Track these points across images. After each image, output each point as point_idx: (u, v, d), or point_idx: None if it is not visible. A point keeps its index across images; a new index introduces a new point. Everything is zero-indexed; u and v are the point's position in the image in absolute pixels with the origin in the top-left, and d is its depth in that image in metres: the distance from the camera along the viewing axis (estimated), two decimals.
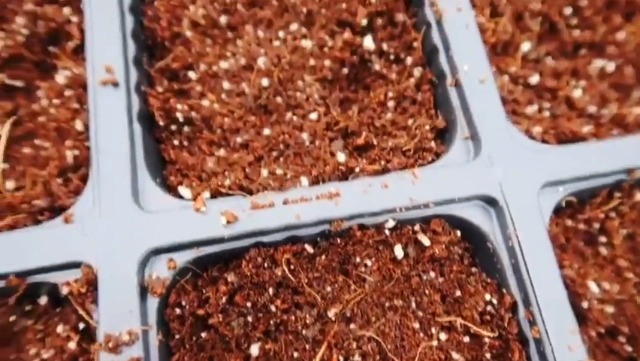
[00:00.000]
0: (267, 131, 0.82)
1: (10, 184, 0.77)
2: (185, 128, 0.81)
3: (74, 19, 0.83)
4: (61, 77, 0.81)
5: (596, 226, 0.82)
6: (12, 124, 0.80)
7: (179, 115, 0.80)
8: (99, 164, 0.69)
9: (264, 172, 0.78)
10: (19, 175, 0.78)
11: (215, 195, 0.75)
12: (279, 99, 0.84)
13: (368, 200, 0.70)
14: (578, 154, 0.75)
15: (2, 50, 0.82)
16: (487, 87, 0.77)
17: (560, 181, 0.74)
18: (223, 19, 0.88)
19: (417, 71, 0.86)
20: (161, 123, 0.79)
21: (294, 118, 0.84)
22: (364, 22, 0.89)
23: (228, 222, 0.68)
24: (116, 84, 0.73)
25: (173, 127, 0.81)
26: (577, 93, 0.89)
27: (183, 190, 0.75)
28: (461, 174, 0.73)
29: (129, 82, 0.75)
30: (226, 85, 0.84)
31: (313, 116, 0.83)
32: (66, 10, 0.83)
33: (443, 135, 0.82)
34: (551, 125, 0.84)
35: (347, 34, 0.87)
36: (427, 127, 0.82)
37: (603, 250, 0.81)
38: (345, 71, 0.87)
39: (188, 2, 0.88)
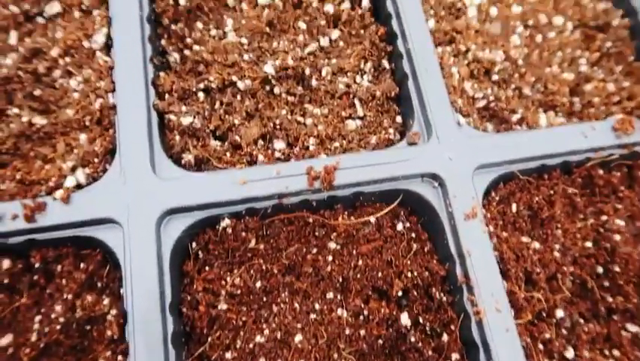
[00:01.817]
0: None
1: None
2: None
3: (113, 311, 0.82)
4: None
5: None
6: None
7: None
8: None
9: None
10: None
11: None
12: None
13: None
14: None
15: (39, 339, 0.81)
16: None
17: None
18: (258, 285, 0.88)
19: (454, 356, 0.86)
20: None
21: None
22: (399, 293, 0.89)
23: None
24: None
25: None
26: None
27: None
28: None
29: None
30: None
31: None
32: (105, 301, 0.83)
33: None
34: None
35: (383, 309, 0.87)
36: None
37: None
38: (381, 342, 0.87)
39: (225, 274, 0.88)
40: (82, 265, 0.84)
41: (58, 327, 0.82)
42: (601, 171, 1.00)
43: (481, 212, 0.88)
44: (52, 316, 0.82)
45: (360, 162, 0.89)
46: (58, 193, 0.82)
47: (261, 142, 0.98)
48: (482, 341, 0.82)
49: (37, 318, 0.83)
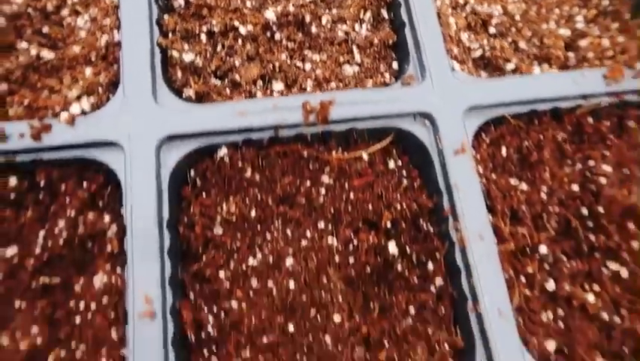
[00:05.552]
0: (291, 330, 0.85)
1: None
2: (215, 334, 0.85)
3: (113, 227, 0.86)
4: (98, 281, 0.85)
5: None
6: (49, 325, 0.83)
7: (209, 327, 0.83)
8: None
9: None
10: None
11: None
12: (304, 298, 0.88)
13: None
14: None
15: (43, 252, 0.86)
16: (506, 320, 0.81)
17: None
18: (253, 213, 0.92)
19: (438, 281, 0.90)
20: (193, 338, 0.82)
21: (319, 318, 0.87)
22: (389, 224, 0.92)
23: None
24: (153, 315, 0.76)
25: (204, 335, 0.84)
26: (590, 298, 0.92)
27: None
28: None
29: (165, 306, 0.78)
30: (254, 283, 0.88)
31: (337, 318, 0.87)
32: (106, 218, 0.87)
33: (462, 354, 0.85)
34: (565, 341, 0.87)
35: (372, 238, 0.91)
36: (446, 345, 0.86)
37: None
38: (369, 269, 0.91)
39: (221, 201, 0.92)
40: (85, 184, 0.88)
41: (61, 241, 0.86)
42: (591, 120, 1.02)
43: (470, 149, 0.91)
44: (56, 231, 0.86)
45: (355, 99, 0.93)
46: (63, 116, 0.86)
47: (260, 83, 1.01)
48: (465, 265, 0.85)
49: (42, 233, 0.87)
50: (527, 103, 0.98)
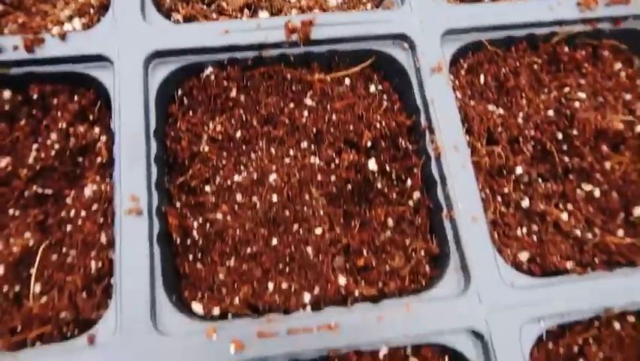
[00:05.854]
0: (274, 242, 0.89)
1: (37, 287, 0.84)
2: (200, 242, 0.88)
3: (103, 138, 0.90)
4: (88, 191, 0.88)
5: (576, 349, 0.88)
6: (41, 232, 0.87)
7: (195, 233, 0.87)
8: (122, 289, 0.77)
9: (271, 286, 0.85)
10: (47, 279, 0.84)
11: (226, 311, 0.82)
12: (287, 212, 0.91)
13: (365, 331, 0.77)
14: (561, 292, 0.82)
15: (35, 162, 0.89)
16: (479, 226, 0.84)
17: (542, 316, 0.81)
18: (238, 134, 0.96)
19: (416, 195, 0.93)
20: (179, 241, 0.86)
21: (301, 231, 0.91)
22: (369, 143, 0.96)
23: (237, 349, 0.75)
24: (140, 212, 0.80)
25: (189, 241, 0.88)
26: (564, 216, 0.95)
27: (196, 306, 0.83)
28: (451, 308, 0.80)
29: (151, 207, 0.82)
30: (239, 198, 0.92)
31: (318, 231, 0.90)
32: (96, 130, 0.90)
33: (437, 259, 0.89)
34: (538, 251, 0.91)
35: (352, 156, 0.94)
36: (422, 252, 0.89)
37: None
38: (350, 187, 0.94)
39: (207, 120, 0.96)
40: (76, 98, 0.91)
41: (53, 153, 0.89)
42: (566, 49, 1.06)
43: (446, 67, 0.95)
44: (48, 143, 0.90)
45: (336, 20, 0.96)
46: (56, 29, 0.90)
47: (246, 11, 1.05)
48: (440, 176, 0.88)
49: (34, 146, 0.90)
50: (504, 28, 1.01)
